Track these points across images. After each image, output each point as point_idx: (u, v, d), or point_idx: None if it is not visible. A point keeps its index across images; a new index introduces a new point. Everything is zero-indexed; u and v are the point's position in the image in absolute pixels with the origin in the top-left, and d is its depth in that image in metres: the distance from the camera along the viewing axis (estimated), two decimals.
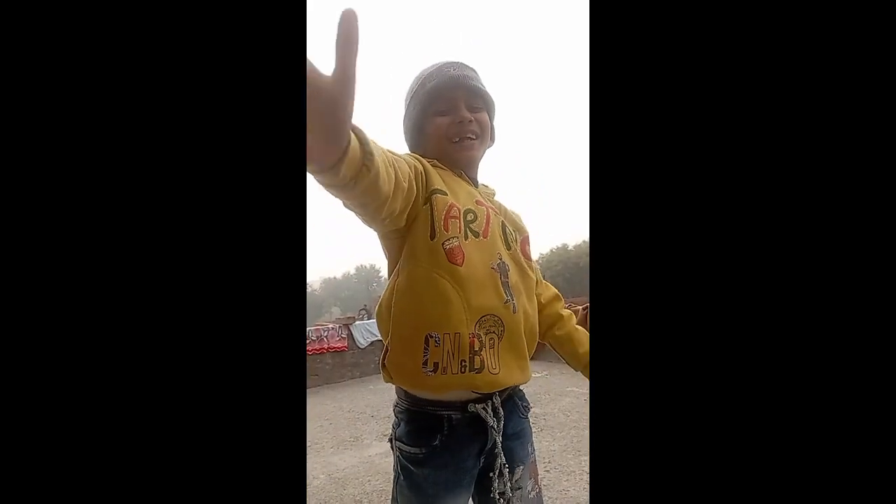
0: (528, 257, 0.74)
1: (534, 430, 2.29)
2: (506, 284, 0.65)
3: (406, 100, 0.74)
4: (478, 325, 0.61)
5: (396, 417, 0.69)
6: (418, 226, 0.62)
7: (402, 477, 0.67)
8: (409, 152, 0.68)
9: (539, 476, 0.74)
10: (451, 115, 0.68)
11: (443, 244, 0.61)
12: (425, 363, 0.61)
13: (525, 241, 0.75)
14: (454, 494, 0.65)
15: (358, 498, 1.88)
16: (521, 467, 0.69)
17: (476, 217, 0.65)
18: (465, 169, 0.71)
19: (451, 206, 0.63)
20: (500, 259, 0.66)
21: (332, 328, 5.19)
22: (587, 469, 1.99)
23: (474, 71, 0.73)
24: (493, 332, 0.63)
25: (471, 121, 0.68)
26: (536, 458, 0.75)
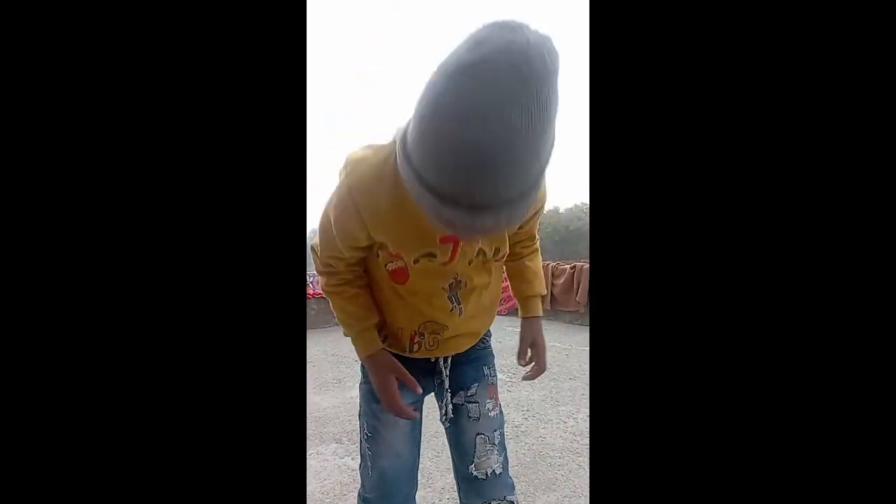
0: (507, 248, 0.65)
1: (514, 380, 2.31)
2: (454, 296, 0.65)
3: (417, 127, 0.40)
4: (421, 326, 0.67)
5: None
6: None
7: (361, 376, 0.75)
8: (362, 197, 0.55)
9: (499, 399, 0.78)
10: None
11: (385, 265, 0.63)
12: (379, 330, 0.69)
13: (505, 248, 0.64)
14: (401, 393, 0.69)
15: (337, 437, 1.92)
16: (476, 384, 0.75)
17: (437, 255, 0.59)
18: None
19: (395, 256, 0.60)
20: (456, 277, 0.64)
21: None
22: (564, 418, 2.05)
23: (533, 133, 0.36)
24: (436, 333, 0.68)
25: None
26: (498, 384, 0.79)
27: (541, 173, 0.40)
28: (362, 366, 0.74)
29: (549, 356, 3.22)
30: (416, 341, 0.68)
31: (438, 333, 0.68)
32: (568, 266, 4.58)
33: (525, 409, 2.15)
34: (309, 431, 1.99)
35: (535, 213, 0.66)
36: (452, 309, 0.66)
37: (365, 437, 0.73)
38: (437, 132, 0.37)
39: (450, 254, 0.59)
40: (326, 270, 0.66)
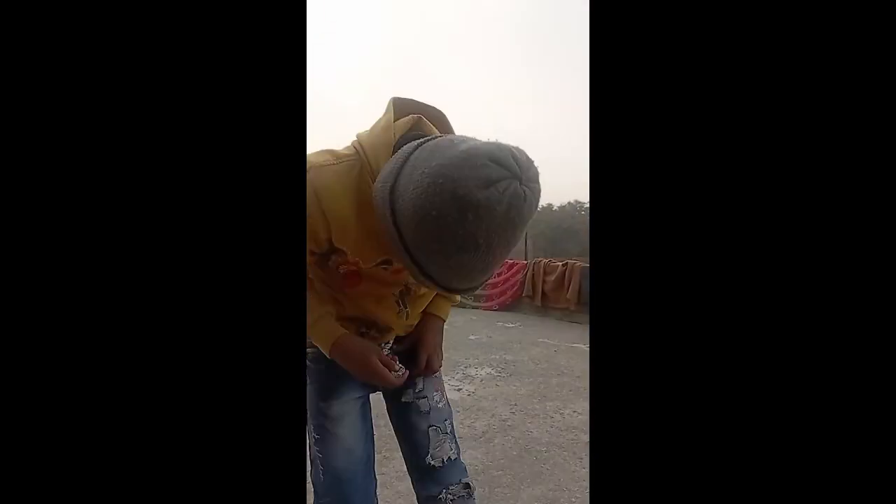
0: None
1: (503, 375, 2.33)
2: (403, 301, 0.69)
3: (418, 222, 0.46)
4: (368, 324, 0.68)
5: None
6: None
7: (307, 378, 0.74)
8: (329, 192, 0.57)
9: (445, 390, 0.81)
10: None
11: (338, 268, 0.63)
12: None
13: None
14: (348, 387, 0.70)
15: None
16: (423, 379, 0.75)
17: (391, 265, 0.63)
18: None
19: (352, 262, 0.62)
20: (406, 286, 0.67)
21: None
22: (551, 413, 2.07)
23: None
24: (382, 333, 0.70)
25: None
26: (442, 376, 0.81)
27: (487, 279, 0.53)
28: (307, 366, 0.73)
29: (538, 352, 3.24)
30: (360, 332, 0.70)
31: (383, 333, 0.70)
32: (560, 263, 4.61)
33: (512, 403, 2.17)
34: None
35: None
36: (399, 312, 0.69)
37: (314, 440, 0.71)
38: (440, 240, 0.45)
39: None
40: None
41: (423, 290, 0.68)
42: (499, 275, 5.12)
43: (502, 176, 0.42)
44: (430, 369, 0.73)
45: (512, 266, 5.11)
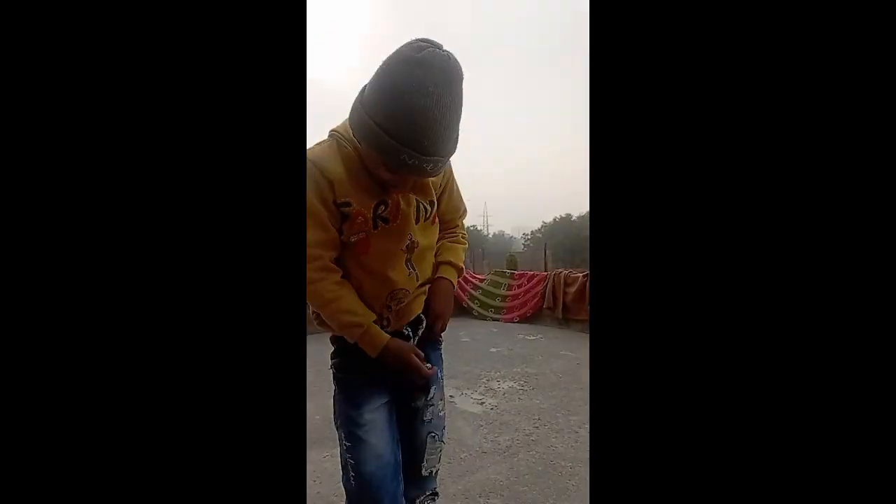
0: (440, 219, 0.82)
1: (525, 389, 2.32)
2: (410, 262, 0.76)
3: (381, 96, 0.62)
4: (389, 296, 0.76)
5: (333, 345, 0.81)
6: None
7: (335, 388, 0.81)
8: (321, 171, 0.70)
9: (445, 399, 0.88)
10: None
11: (350, 239, 0.73)
12: None
13: (435, 202, 0.78)
14: (375, 394, 0.77)
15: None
16: (435, 388, 0.83)
17: (387, 206, 0.72)
18: None
19: (357, 214, 0.71)
20: (410, 239, 0.75)
21: None
22: (575, 427, 2.03)
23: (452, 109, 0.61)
24: (402, 300, 0.77)
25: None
26: (444, 385, 0.89)
27: (453, 147, 0.65)
28: (334, 376, 0.80)
29: (560, 365, 3.17)
30: (385, 316, 0.77)
31: (402, 301, 0.77)
32: (580, 275, 4.55)
33: (536, 417, 2.14)
34: (322, 434, 2.01)
35: (446, 188, 0.80)
36: (410, 274, 0.77)
37: (345, 447, 0.77)
38: (402, 99, 0.59)
39: (395, 203, 0.72)
40: (313, 258, 0.71)
41: (423, 243, 0.77)
42: (519, 286, 5.08)
43: (428, 46, 0.60)
44: (436, 330, 0.83)
45: (532, 277, 5.06)
